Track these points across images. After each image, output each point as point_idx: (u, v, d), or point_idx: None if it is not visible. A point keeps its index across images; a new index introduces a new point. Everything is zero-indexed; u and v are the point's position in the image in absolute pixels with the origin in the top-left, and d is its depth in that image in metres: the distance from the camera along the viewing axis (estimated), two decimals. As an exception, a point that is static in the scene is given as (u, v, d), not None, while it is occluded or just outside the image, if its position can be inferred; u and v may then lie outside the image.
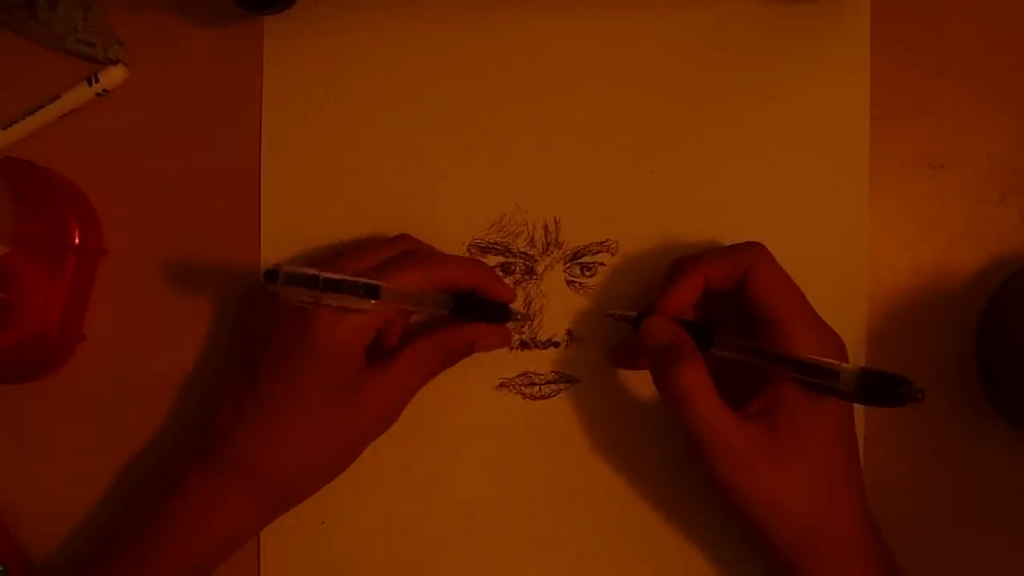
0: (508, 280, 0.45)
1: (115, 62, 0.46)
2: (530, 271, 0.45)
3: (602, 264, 0.45)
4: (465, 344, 0.42)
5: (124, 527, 0.41)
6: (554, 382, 0.45)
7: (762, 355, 0.38)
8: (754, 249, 0.40)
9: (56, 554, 0.45)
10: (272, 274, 0.32)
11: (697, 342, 0.39)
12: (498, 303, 0.43)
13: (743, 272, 0.39)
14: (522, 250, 0.45)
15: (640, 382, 0.44)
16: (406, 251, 0.41)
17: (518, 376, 0.45)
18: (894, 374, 0.32)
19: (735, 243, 0.41)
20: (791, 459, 0.37)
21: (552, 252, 0.45)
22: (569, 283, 0.45)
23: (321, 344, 0.37)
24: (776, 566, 0.39)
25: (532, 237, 0.45)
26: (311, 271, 0.33)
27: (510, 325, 0.44)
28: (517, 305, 0.44)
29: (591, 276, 0.45)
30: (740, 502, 0.38)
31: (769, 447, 0.37)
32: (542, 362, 0.45)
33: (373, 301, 0.36)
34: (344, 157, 0.46)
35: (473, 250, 0.45)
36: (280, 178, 0.46)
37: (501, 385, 0.45)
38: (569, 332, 0.45)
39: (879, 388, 0.33)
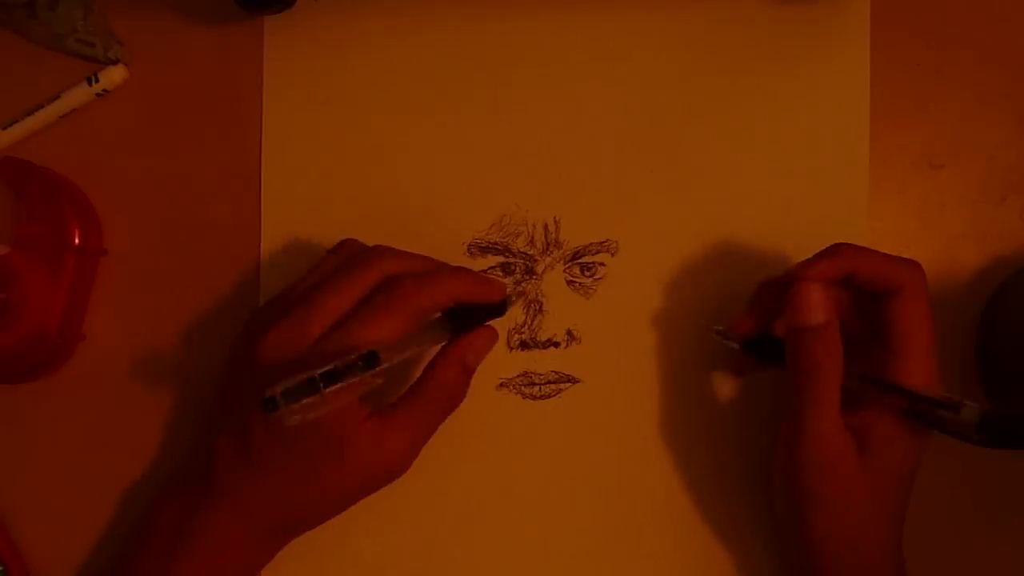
0: (508, 280, 0.45)
1: (115, 62, 0.46)
2: (530, 271, 0.45)
3: (602, 264, 0.45)
4: (459, 374, 0.40)
5: (135, 559, 0.40)
6: (554, 382, 0.45)
7: (877, 384, 0.36)
8: (912, 271, 0.37)
9: (56, 554, 0.45)
10: (271, 402, 0.30)
11: (773, 358, 0.38)
12: (493, 304, 0.42)
13: (892, 288, 0.37)
14: (522, 250, 0.45)
15: (641, 382, 0.44)
16: (386, 282, 0.38)
17: (518, 376, 0.45)
18: (1019, 416, 0.31)
19: (893, 255, 0.38)
20: (865, 481, 0.37)
21: (552, 252, 0.45)
22: (569, 283, 0.45)
23: (317, 420, 0.35)
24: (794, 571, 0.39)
25: (532, 237, 0.45)
26: (307, 376, 0.31)
27: (511, 309, 0.44)
28: (517, 304, 0.45)
29: (591, 276, 0.45)
30: (807, 498, 0.37)
31: (851, 461, 0.36)
32: (542, 362, 0.45)
33: (377, 370, 0.33)
34: (344, 157, 0.46)
35: (473, 250, 0.45)
36: (280, 178, 0.46)
37: (501, 385, 0.45)
38: (569, 332, 0.45)
39: (1003, 428, 0.31)
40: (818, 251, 0.39)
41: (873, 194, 0.44)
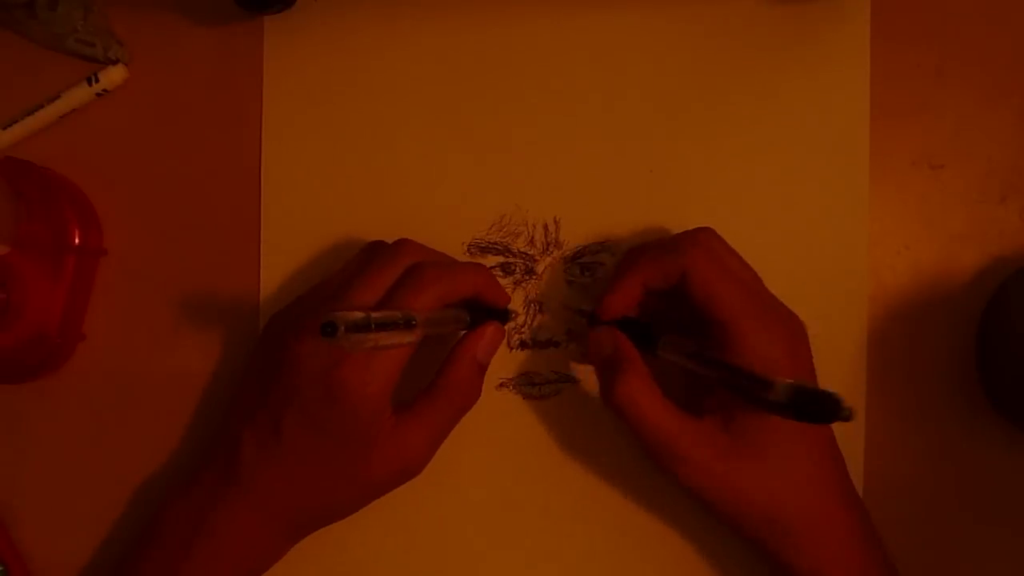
0: (508, 280, 0.45)
1: (115, 62, 0.46)
2: (530, 271, 0.45)
3: (602, 264, 0.45)
4: (472, 370, 0.41)
5: (146, 557, 0.40)
6: (554, 382, 0.45)
7: (701, 362, 0.37)
8: (689, 248, 0.38)
9: (56, 554, 0.45)
10: (331, 327, 0.31)
11: (642, 342, 0.39)
12: (502, 310, 0.43)
13: (679, 274, 0.38)
14: (522, 250, 0.45)
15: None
16: (411, 268, 0.39)
17: (518, 376, 0.45)
18: (825, 392, 0.32)
19: (681, 232, 0.40)
20: (747, 455, 0.38)
21: (552, 252, 0.45)
22: (569, 283, 0.45)
23: (353, 404, 0.37)
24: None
25: (532, 237, 0.45)
26: (364, 315, 0.32)
27: (508, 325, 0.44)
28: (516, 305, 0.45)
29: (591, 276, 0.45)
30: (701, 500, 0.38)
31: (722, 445, 0.38)
32: (542, 362, 0.45)
33: (413, 333, 0.35)
34: (344, 157, 0.46)
35: (473, 250, 0.45)
36: (280, 178, 0.46)
37: (501, 385, 0.45)
38: (569, 332, 0.45)
39: (809, 405, 0.32)
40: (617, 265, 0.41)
41: (873, 194, 0.44)
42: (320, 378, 0.37)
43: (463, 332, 0.41)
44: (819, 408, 0.32)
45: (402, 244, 0.42)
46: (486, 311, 0.42)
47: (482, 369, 0.41)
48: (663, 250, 0.39)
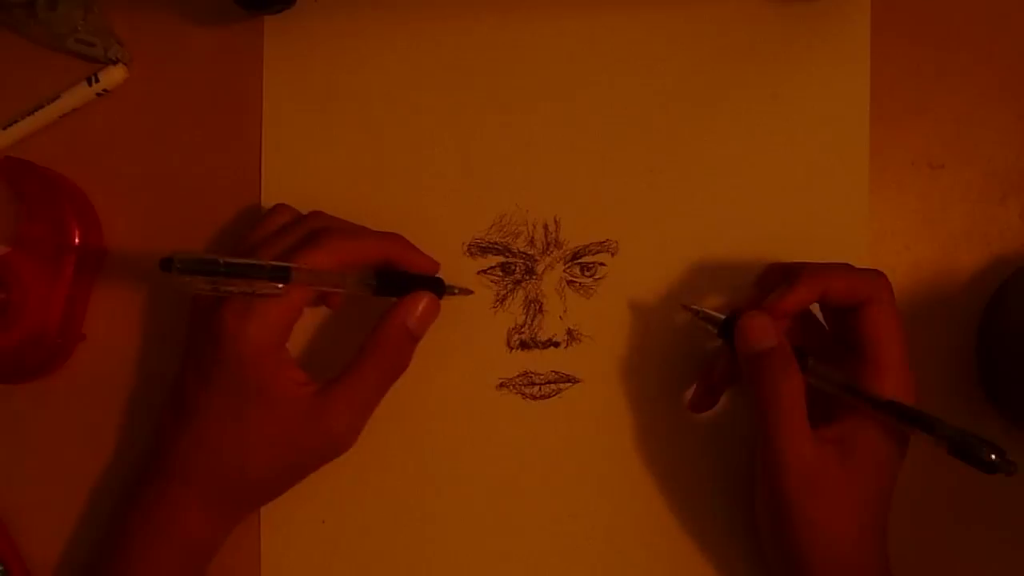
0: (508, 280, 0.45)
1: (115, 62, 0.46)
2: (530, 271, 0.45)
3: (602, 264, 0.45)
4: (401, 338, 0.39)
5: (103, 542, 0.41)
6: (554, 382, 0.45)
7: (857, 395, 0.37)
8: (879, 281, 0.38)
9: (56, 554, 0.45)
10: (167, 262, 0.31)
11: None
12: (429, 277, 0.42)
13: (862, 300, 0.38)
14: (522, 250, 0.45)
15: (641, 382, 0.44)
16: (316, 229, 0.39)
17: (518, 376, 0.45)
18: (987, 441, 0.34)
19: (860, 268, 0.39)
20: (852, 491, 0.37)
21: (552, 252, 0.45)
22: (569, 283, 0.45)
23: (230, 347, 0.36)
24: None
25: (532, 237, 0.45)
26: (210, 256, 0.32)
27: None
28: (517, 304, 0.45)
29: (591, 276, 0.45)
30: (793, 520, 0.37)
31: (835, 475, 0.37)
32: (542, 362, 0.45)
33: (282, 284, 0.34)
34: (344, 157, 0.46)
35: (473, 250, 0.45)
36: (280, 178, 0.46)
37: (501, 385, 0.45)
38: (569, 332, 0.45)
39: (971, 450, 0.35)
40: (771, 270, 0.41)
41: (873, 194, 0.44)
42: (205, 325, 0.37)
43: (381, 298, 0.40)
44: (979, 457, 0.34)
45: (313, 213, 0.42)
46: (417, 280, 0.41)
47: (413, 339, 0.40)
48: (849, 270, 0.39)
